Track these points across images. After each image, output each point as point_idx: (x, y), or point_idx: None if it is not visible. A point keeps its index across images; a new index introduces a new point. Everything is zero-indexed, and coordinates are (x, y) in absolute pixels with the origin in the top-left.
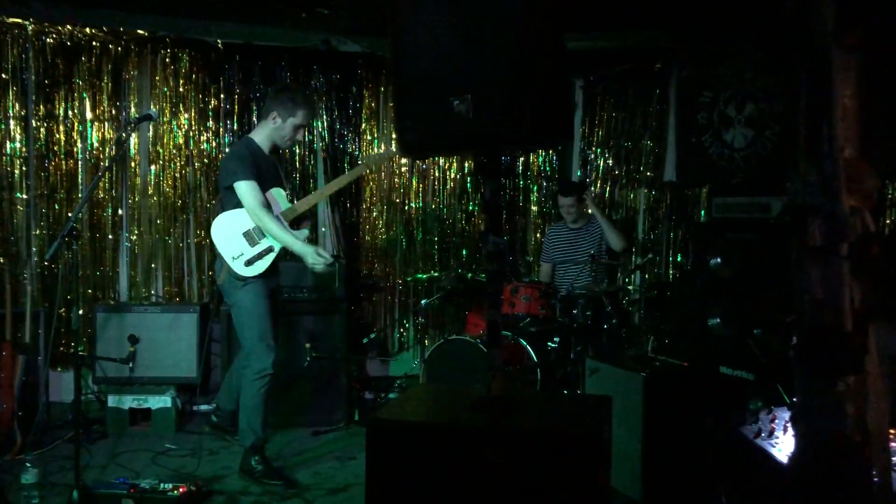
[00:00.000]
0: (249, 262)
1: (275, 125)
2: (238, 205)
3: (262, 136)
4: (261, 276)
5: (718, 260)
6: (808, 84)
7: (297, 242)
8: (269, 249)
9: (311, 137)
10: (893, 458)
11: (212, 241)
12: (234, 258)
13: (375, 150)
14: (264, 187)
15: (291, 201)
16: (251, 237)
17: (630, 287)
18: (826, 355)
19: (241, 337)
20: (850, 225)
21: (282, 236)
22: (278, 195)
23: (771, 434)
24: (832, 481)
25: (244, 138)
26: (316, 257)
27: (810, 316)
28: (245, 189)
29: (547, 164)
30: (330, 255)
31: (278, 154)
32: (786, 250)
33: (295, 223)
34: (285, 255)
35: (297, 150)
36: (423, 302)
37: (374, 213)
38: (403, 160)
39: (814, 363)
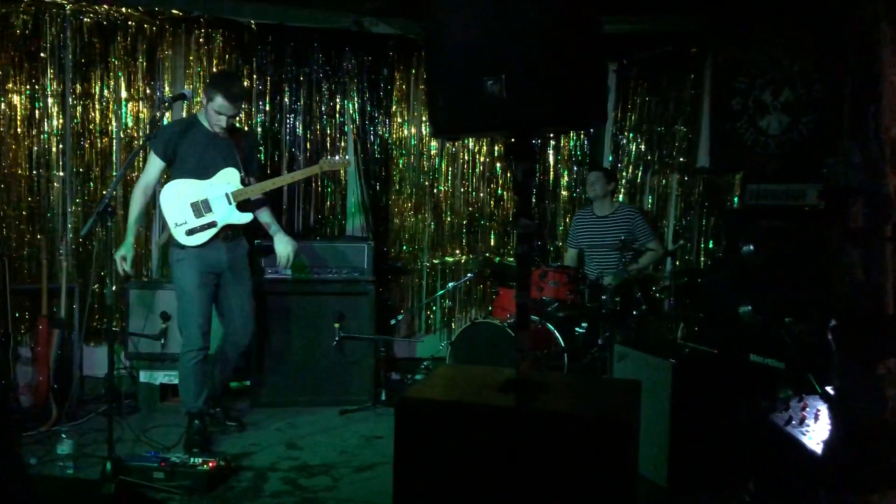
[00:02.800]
0: (191, 232)
1: (204, 106)
2: (186, 173)
3: (202, 116)
4: (200, 249)
5: (751, 247)
6: (855, 62)
7: (130, 233)
8: (212, 224)
9: (341, 119)
10: None
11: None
12: (176, 224)
13: (406, 131)
14: (192, 164)
15: (246, 184)
16: (198, 208)
17: (661, 273)
18: (866, 339)
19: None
20: (894, 206)
21: (130, 219)
22: (230, 175)
23: (801, 422)
24: (869, 465)
25: (194, 114)
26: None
27: (850, 299)
28: (148, 160)
29: (578, 149)
30: (128, 268)
31: (240, 136)
32: (819, 238)
33: (245, 206)
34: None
35: (329, 132)
36: (449, 284)
37: (404, 196)
38: (433, 142)
39: (853, 347)
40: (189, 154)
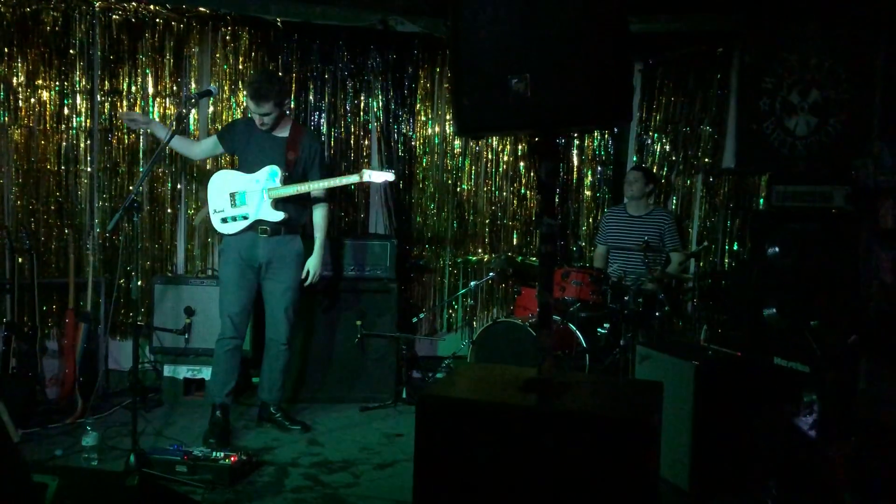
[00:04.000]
0: (225, 220)
1: None
2: (238, 166)
3: None
4: (236, 240)
5: (776, 249)
6: (886, 63)
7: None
8: (244, 216)
9: (365, 117)
10: None
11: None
12: (215, 211)
13: (430, 130)
14: (244, 157)
15: (287, 183)
16: (234, 199)
17: (684, 276)
18: (894, 341)
19: None
20: None
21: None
22: (271, 172)
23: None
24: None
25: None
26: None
27: (878, 301)
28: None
29: (602, 149)
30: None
31: (300, 134)
32: (847, 240)
33: (281, 205)
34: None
35: (353, 130)
36: (472, 283)
37: (427, 195)
38: (457, 141)
39: (881, 349)
40: (240, 148)
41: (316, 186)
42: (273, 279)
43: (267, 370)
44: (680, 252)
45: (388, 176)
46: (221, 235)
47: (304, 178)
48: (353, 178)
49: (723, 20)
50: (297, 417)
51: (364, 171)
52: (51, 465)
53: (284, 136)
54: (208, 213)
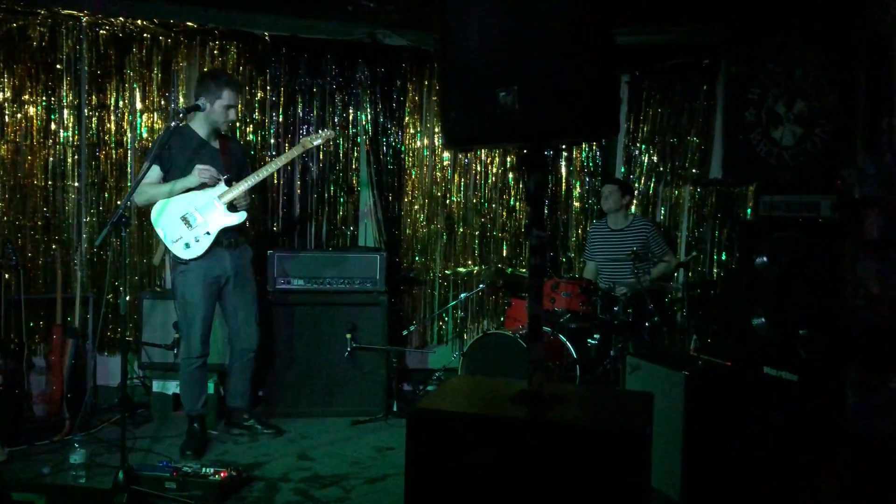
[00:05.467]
0: (188, 245)
1: (206, 111)
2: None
3: (197, 122)
4: (202, 260)
5: (764, 259)
6: (868, 75)
7: (183, 180)
8: (207, 232)
9: (354, 130)
10: None
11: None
12: (173, 241)
13: (418, 142)
14: (182, 175)
15: (230, 185)
16: (188, 220)
17: (673, 285)
18: (881, 351)
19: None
20: None
21: (169, 188)
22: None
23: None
24: (887, 480)
25: (181, 125)
26: (198, 175)
27: (864, 311)
28: (143, 169)
29: (590, 160)
30: (216, 173)
31: (227, 141)
32: (834, 249)
33: (235, 207)
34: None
35: (341, 143)
36: (462, 295)
37: (416, 207)
38: (446, 153)
39: (868, 359)
40: (179, 165)
41: (265, 172)
42: (240, 291)
43: (238, 379)
44: (671, 259)
45: (328, 134)
46: (175, 260)
47: (240, 178)
48: (296, 151)
49: (708, 32)
50: (276, 424)
51: (303, 139)
52: (38, 484)
53: (217, 146)
54: (165, 247)
